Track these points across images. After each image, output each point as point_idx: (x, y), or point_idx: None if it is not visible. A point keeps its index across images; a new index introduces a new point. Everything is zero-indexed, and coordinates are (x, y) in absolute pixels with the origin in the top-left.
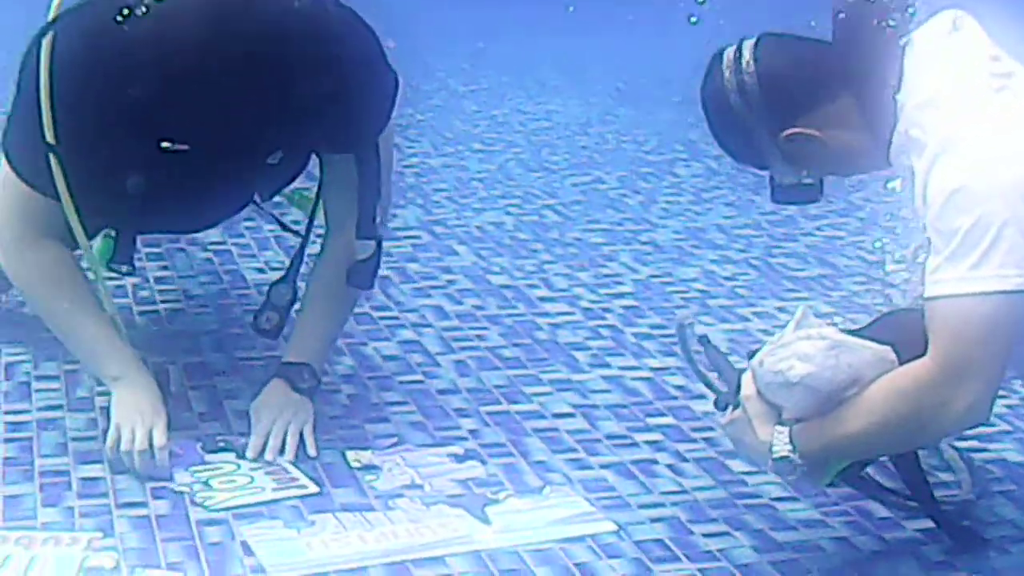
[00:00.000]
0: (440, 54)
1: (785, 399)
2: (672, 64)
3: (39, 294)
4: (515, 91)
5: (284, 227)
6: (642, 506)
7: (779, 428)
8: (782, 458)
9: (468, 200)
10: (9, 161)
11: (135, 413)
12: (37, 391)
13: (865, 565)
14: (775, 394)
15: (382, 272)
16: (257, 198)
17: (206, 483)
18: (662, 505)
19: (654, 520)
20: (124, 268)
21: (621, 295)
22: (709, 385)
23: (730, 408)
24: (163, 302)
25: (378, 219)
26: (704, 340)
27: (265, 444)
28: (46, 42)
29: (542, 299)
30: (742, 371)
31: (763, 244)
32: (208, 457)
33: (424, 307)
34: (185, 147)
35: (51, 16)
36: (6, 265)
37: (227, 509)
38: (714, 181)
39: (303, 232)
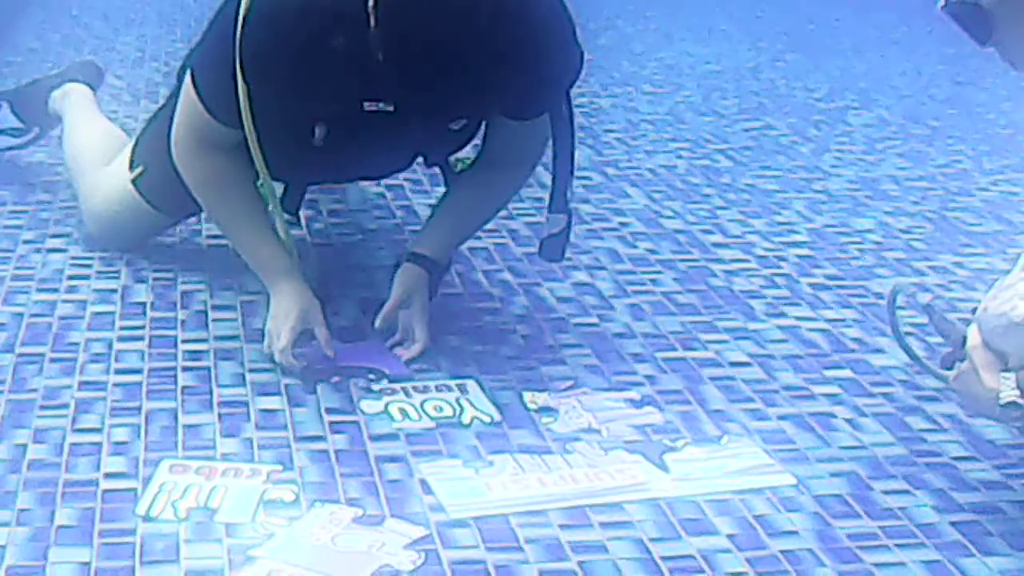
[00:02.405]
0: None
1: (1011, 343)
2: (841, 10)
3: (208, 196)
4: (683, 33)
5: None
6: (820, 460)
7: (1005, 375)
8: (1010, 403)
9: (639, 142)
10: (195, 85)
11: (287, 314)
12: (215, 320)
13: None
14: (1001, 339)
15: None
16: (422, 160)
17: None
18: (841, 460)
19: (833, 475)
20: (288, 217)
21: (796, 244)
22: (912, 355)
23: (956, 364)
24: (337, 235)
25: (569, 193)
26: (929, 308)
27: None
28: None
29: (716, 245)
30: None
31: (938, 197)
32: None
33: (597, 249)
34: (390, 108)
35: None
36: (179, 166)
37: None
38: (886, 131)
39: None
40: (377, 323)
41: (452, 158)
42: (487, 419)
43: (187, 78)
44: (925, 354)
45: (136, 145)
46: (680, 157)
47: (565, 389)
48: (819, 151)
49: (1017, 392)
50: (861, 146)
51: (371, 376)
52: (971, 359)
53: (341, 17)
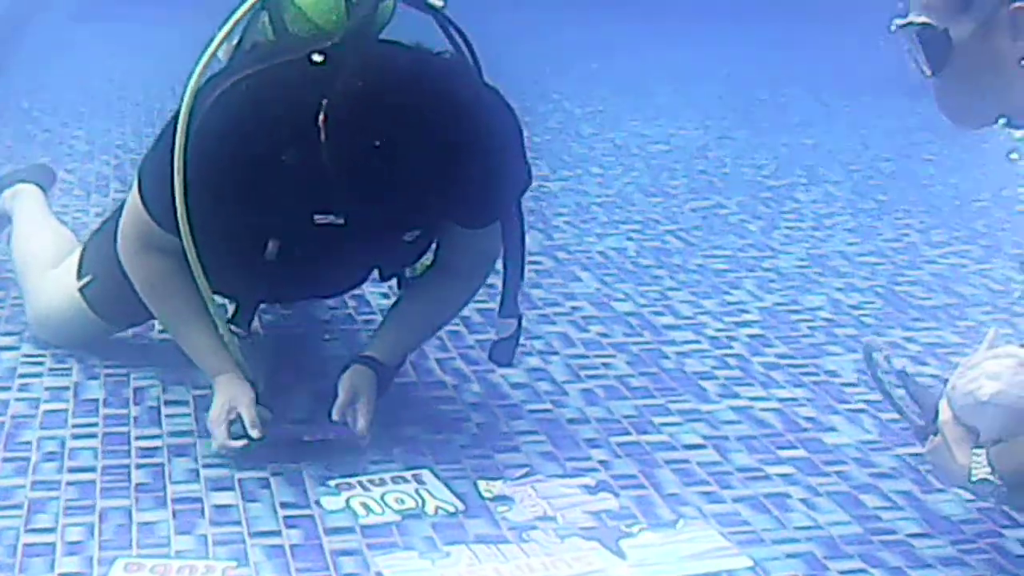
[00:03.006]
0: (555, 75)
1: (979, 420)
2: (789, 87)
3: (150, 295)
4: (632, 113)
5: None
6: (776, 541)
7: (976, 451)
8: (981, 480)
9: (589, 225)
10: (140, 189)
11: (221, 405)
12: (168, 416)
13: None
14: (969, 416)
15: None
16: (377, 274)
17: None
18: (796, 540)
19: (789, 555)
20: (241, 332)
21: (747, 323)
22: (902, 413)
23: (930, 438)
24: (291, 325)
25: (521, 298)
26: (903, 374)
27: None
28: (191, 91)
29: (667, 327)
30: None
31: (887, 272)
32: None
33: (549, 334)
34: (340, 221)
35: (206, 57)
36: (124, 262)
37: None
38: (834, 207)
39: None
40: (334, 416)
41: (409, 269)
42: (451, 509)
43: (135, 181)
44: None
45: (84, 253)
46: (630, 239)
47: (520, 477)
48: (768, 229)
49: (988, 468)
50: (810, 223)
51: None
52: (943, 434)
53: (291, 130)
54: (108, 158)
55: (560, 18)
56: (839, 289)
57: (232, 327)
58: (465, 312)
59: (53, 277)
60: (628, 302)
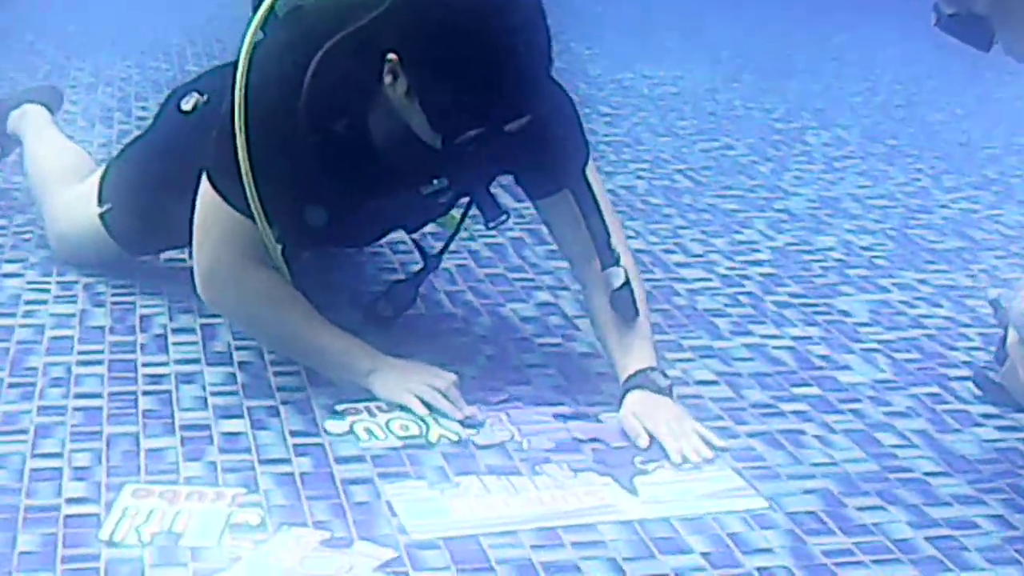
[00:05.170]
0: (561, 15)
1: None
2: (797, 31)
3: (264, 317)
4: (639, 55)
5: (421, 250)
6: (792, 477)
7: None
8: None
9: (598, 164)
10: (213, 184)
11: (410, 376)
12: (174, 344)
13: None
14: None
15: (515, 234)
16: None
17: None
18: (812, 476)
19: (806, 492)
20: None
21: (758, 263)
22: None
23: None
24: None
25: (615, 243)
26: (995, 302)
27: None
28: (244, 56)
29: (678, 264)
30: None
31: (899, 215)
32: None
33: (559, 270)
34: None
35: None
36: (220, 298)
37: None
38: (844, 150)
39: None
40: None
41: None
42: (454, 437)
43: (203, 189)
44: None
45: (104, 178)
46: (639, 178)
47: (497, 403)
48: (779, 171)
49: None
50: (820, 165)
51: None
52: (1011, 356)
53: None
54: (112, 90)
55: None
56: (850, 231)
57: None
58: (474, 246)
59: (72, 198)
60: (638, 240)
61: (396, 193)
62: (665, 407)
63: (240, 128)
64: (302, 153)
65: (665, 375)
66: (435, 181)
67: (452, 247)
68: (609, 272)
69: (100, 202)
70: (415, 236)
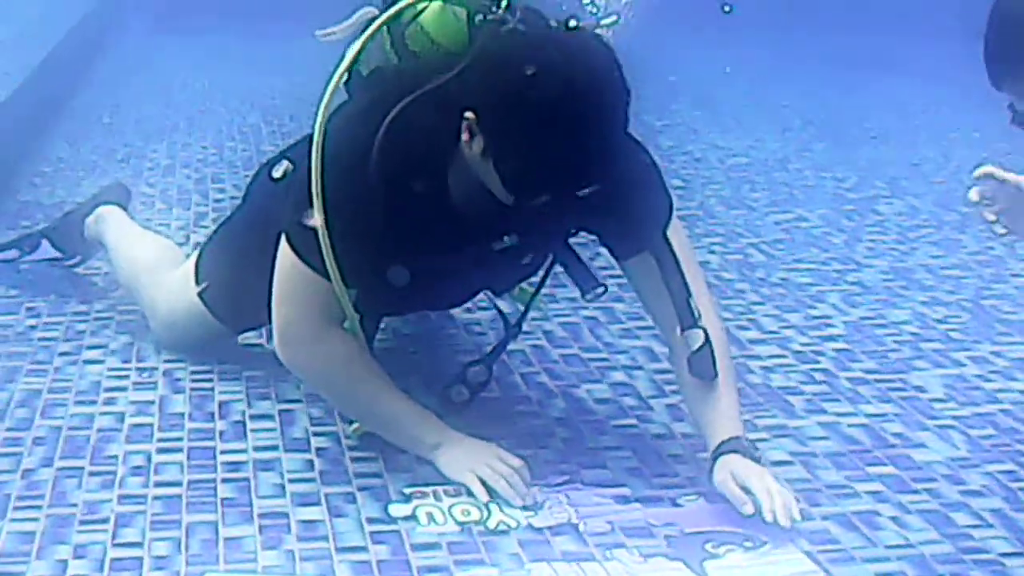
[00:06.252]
0: (634, 84)
1: None
2: (865, 99)
3: (338, 383)
4: (710, 126)
5: (501, 313)
6: (866, 559)
7: None
8: None
9: None
10: (292, 245)
11: (475, 457)
12: (253, 431)
13: None
14: None
15: (589, 313)
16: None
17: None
18: (887, 559)
19: (879, 575)
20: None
21: (832, 338)
22: None
23: None
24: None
25: (695, 307)
26: None
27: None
28: (320, 123)
29: (752, 341)
30: None
31: (973, 285)
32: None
33: (633, 349)
34: (515, 241)
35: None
36: (297, 359)
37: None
38: (917, 219)
39: (515, 324)
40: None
41: (516, 289)
42: (513, 524)
43: (281, 250)
44: None
45: (200, 258)
46: (713, 252)
47: (558, 484)
48: (852, 242)
49: None
50: (894, 235)
51: None
52: None
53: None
54: (189, 171)
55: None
56: (924, 303)
57: None
58: (547, 326)
59: (170, 283)
60: None
61: (469, 249)
62: (759, 472)
63: (317, 191)
64: (378, 210)
65: (756, 445)
66: (506, 238)
67: (526, 327)
68: (688, 334)
69: (197, 282)
70: (499, 303)
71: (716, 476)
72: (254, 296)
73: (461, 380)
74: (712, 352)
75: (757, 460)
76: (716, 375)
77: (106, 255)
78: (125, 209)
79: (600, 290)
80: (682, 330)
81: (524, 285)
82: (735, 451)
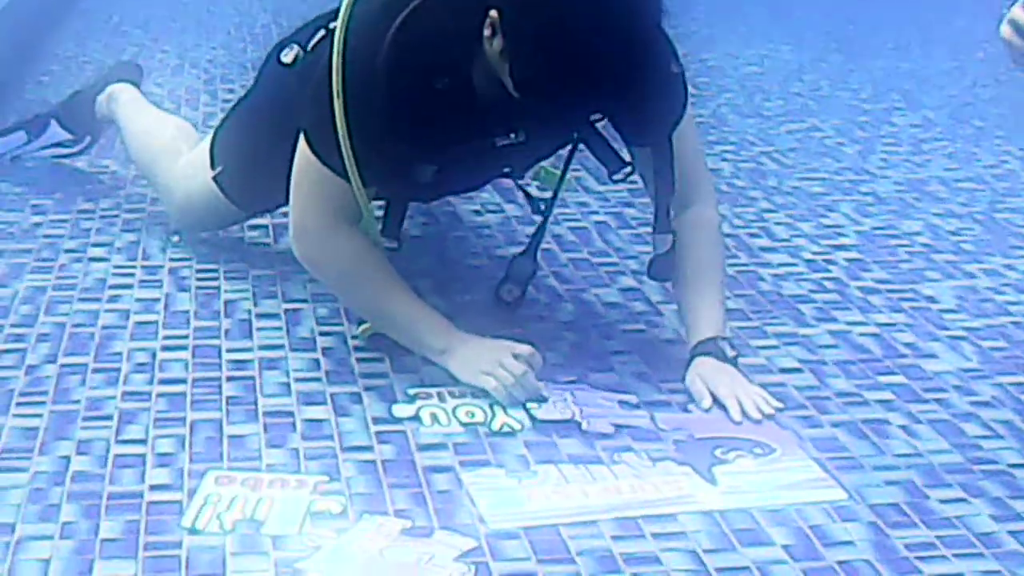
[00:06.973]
0: None
1: None
2: (882, 10)
3: (348, 280)
4: (725, 35)
5: (529, 197)
6: (875, 468)
7: None
8: None
9: None
10: (311, 145)
11: (487, 356)
12: (259, 329)
13: None
14: None
15: (599, 218)
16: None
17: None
18: (896, 468)
19: (888, 483)
20: (392, 244)
21: (844, 247)
22: None
23: None
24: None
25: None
26: None
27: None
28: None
29: (763, 249)
30: None
31: (986, 199)
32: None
33: (643, 254)
34: (521, 139)
35: None
36: (310, 254)
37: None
38: (932, 132)
39: (545, 208)
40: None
41: (539, 170)
42: (517, 426)
43: (300, 147)
44: None
45: (214, 142)
46: (725, 160)
47: (565, 382)
48: (865, 153)
49: None
50: (907, 147)
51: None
52: None
53: (466, 56)
54: (198, 72)
55: None
56: (937, 215)
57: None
58: (558, 230)
59: (183, 167)
60: (724, 223)
61: (488, 141)
62: (729, 373)
63: (338, 91)
64: (399, 105)
65: (732, 346)
66: (512, 135)
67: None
68: (659, 236)
69: (213, 165)
70: (523, 183)
71: (687, 375)
72: (267, 179)
73: (509, 279)
74: (671, 259)
75: (731, 361)
76: (671, 279)
77: (118, 134)
78: (138, 87)
79: (628, 169)
80: (654, 231)
81: (548, 166)
82: (709, 353)
